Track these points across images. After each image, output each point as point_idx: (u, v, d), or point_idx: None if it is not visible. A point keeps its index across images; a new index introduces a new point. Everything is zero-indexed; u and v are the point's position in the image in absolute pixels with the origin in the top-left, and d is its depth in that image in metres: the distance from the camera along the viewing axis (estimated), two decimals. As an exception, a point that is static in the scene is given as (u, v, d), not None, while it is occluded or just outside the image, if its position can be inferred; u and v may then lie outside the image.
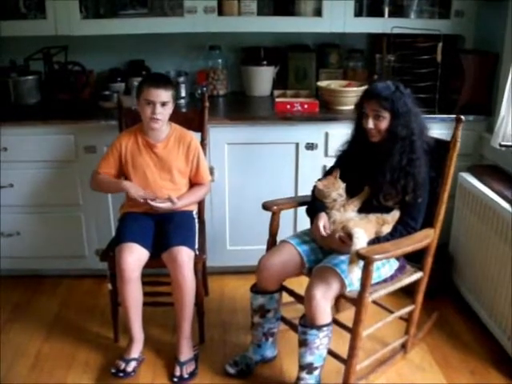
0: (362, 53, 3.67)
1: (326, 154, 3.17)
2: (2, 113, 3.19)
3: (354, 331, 2.30)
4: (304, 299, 2.34)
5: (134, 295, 2.58)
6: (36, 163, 3.17)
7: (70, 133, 3.12)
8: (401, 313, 2.59)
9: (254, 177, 3.24)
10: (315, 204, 2.52)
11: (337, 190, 2.45)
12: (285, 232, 2.74)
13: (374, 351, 2.62)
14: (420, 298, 2.60)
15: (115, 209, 3.12)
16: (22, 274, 3.48)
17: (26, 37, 3.20)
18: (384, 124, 2.34)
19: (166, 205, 2.65)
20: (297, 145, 3.18)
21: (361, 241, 2.25)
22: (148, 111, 2.61)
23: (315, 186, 2.52)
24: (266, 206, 2.63)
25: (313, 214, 2.50)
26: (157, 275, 2.76)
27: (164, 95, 2.61)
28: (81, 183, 3.20)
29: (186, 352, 2.66)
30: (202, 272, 3.06)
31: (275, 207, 2.63)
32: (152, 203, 2.63)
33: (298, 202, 2.74)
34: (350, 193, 2.47)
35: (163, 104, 2.61)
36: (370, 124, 2.35)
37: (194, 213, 2.85)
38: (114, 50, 3.59)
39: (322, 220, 2.41)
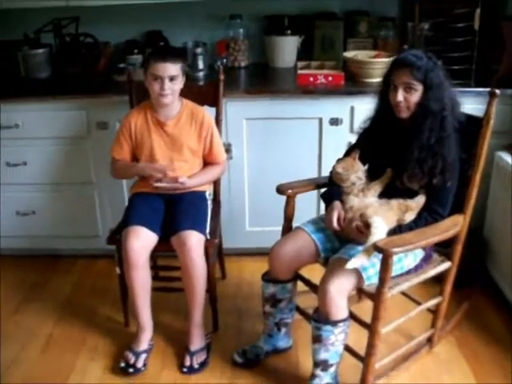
0: (393, 21, 3.40)
1: (352, 130, 2.96)
2: (12, 88, 3.08)
3: (372, 329, 2.12)
4: (318, 289, 2.17)
5: (141, 281, 2.46)
6: (48, 140, 3.07)
7: (82, 108, 2.99)
8: (426, 305, 2.39)
9: (275, 154, 3.06)
10: (332, 189, 2.34)
11: (356, 172, 2.25)
12: (307, 215, 2.55)
13: (397, 345, 2.43)
14: (448, 289, 2.39)
15: (129, 186, 2.97)
16: (39, 254, 3.42)
17: (37, 9, 3.06)
18: (415, 97, 2.11)
19: (173, 185, 2.50)
20: (320, 120, 2.97)
21: (379, 231, 2.05)
22: (156, 87, 2.45)
23: (333, 169, 2.33)
24: (280, 190, 2.45)
25: (328, 201, 2.31)
26: (170, 257, 2.59)
27: (172, 69, 2.44)
28: (93, 160, 3.09)
29: (196, 341, 2.53)
30: (219, 255, 2.95)
31: (290, 191, 2.44)
32: (158, 184, 2.48)
33: (315, 184, 2.54)
34: (371, 176, 2.27)
35: (172, 78, 2.45)
36: (400, 97, 2.12)
37: (207, 193, 2.69)
38: (130, 21, 3.42)
39: (336, 211, 2.22)
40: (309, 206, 2.96)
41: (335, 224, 2.21)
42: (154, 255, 2.67)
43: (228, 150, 2.96)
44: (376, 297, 2.07)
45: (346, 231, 2.21)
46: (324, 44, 3.41)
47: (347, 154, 2.40)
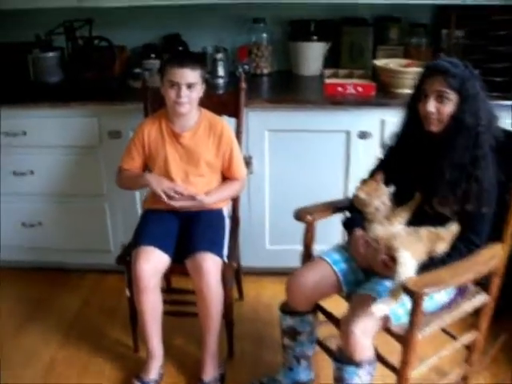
0: (426, 27, 3.18)
1: (382, 145, 2.73)
2: (20, 93, 2.91)
3: (400, 374, 1.89)
4: (340, 330, 1.95)
5: (151, 306, 2.27)
6: (57, 148, 2.90)
7: (93, 115, 2.81)
8: (461, 342, 2.17)
9: (298, 169, 2.86)
10: (354, 215, 2.12)
11: (379, 197, 2.02)
12: (329, 236, 2.37)
13: (427, 381, 2.21)
14: (485, 324, 2.16)
15: (142, 199, 2.78)
16: (46, 266, 3.25)
17: (49, 10, 2.87)
18: (448, 108, 1.88)
19: (189, 203, 2.31)
20: (348, 133, 2.77)
21: (407, 268, 1.82)
22: (172, 94, 2.26)
23: (355, 193, 2.11)
24: (298, 216, 2.23)
25: (350, 229, 2.10)
26: (185, 278, 2.37)
27: (190, 76, 2.25)
28: (105, 171, 2.91)
29: (209, 371, 2.34)
30: (236, 274, 2.75)
31: (309, 217, 2.22)
32: (172, 203, 2.29)
33: (337, 207, 2.30)
34: (398, 200, 2.03)
35: (189, 86, 2.26)
36: (431, 107, 1.89)
37: (225, 211, 2.49)
38: (147, 24, 3.23)
39: (361, 241, 2.02)
40: (331, 226, 2.75)
41: (361, 252, 2.01)
42: (168, 276, 2.47)
43: (248, 163, 2.77)
44: (405, 340, 1.85)
45: (372, 264, 2.00)
46: (352, 51, 3.20)
47: (371, 175, 2.18)
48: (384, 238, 1.95)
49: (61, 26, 2.89)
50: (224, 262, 2.26)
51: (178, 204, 2.30)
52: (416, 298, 1.74)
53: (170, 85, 2.26)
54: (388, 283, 1.91)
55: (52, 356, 2.60)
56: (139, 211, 2.87)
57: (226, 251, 2.30)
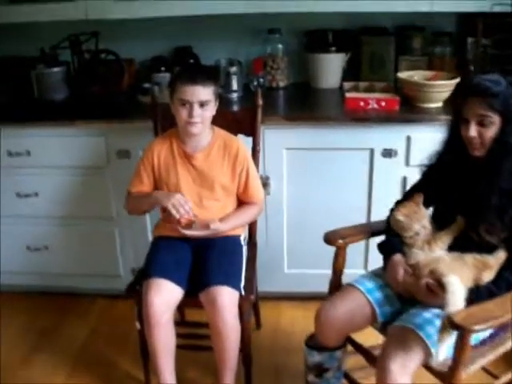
0: (451, 36, 3.01)
1: (407, 163, 2.58)
2: (24, 111, 2.76)
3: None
4: (376, 366, 1.78)
5: (163, 341, 2.10)
6: (62, 169, 2.75)
7: (100, 134, 2.66)
8: (502, 381, 1.99)
9: (318, 189, 2.69)
10: (391, 239, 1.96)
11: (419, 220, 1.86)
12: (354, 260, 2.20)
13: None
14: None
15: (153, 223, 2.63)
16: (52, 291, 3.09)
17: (54, 23, 2.72)
18: (491, 131, 1.72)
19: (202, 233, 2.14)
20: (371, 151, 2.59)
21: (457, 296, 1.66)
22: (183, 114, 2.10)
23: (391, 214, 1.95)
24: (328, 239, 2.07)
25: (386, 253, 1.94)
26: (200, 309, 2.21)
27: (203, 93, 2.08)
28: (114, 193, 2.75)
29: (227, 409, 2.16)
30: (254, 303, 2.57)
31: (341, 241, 2.06)
32: (186, 232, 2.12)
33: (370, 231, 2.14)
34: (437, 224, 1.88)
35: (202, 104, 2.09)
36: (473, 132, 1.73)
37: (242, 238, 2.33)
38: (157, 36, 3.06)
39: (401, 267, 1.85)
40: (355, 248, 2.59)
41: (400, 281, 1.84)
42: (182, 308, 2.31)
43: (265, 184, 2.60)
44: (448, 379, 1.68)
45: (413, 291, 1.83)
46: (373, 62, 3.03)
47: (407, 196, 2.01)
48: (426, 262, 1.80)
49: (66, 39, 2.74)
50: (241, 295, 2.09)
51: (190, 233, 2.13)
52: (464, 333, 1.57)
53: (181, 103, 2.10)
54: (428, 314, 1.76)
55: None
56: (150, 236, 2.72)
57: (243, 283, 2.13)
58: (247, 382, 2.34)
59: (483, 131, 1.73)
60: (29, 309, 3.02)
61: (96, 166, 2.71)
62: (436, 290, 1.73)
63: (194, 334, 2.34)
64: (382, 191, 2.60)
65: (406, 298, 1.88)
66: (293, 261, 2.85)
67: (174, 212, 2.10)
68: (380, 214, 2.35)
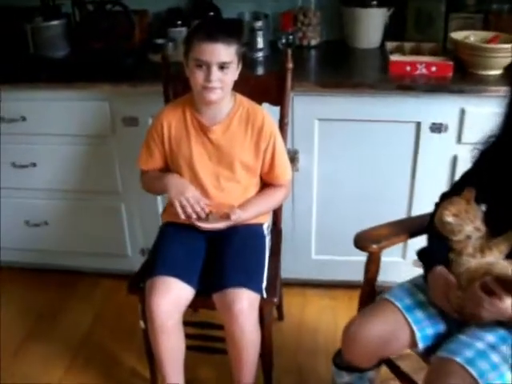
0: (511, -9, 2.59)
1: (459, 140, 2.21)
2: (18, 70, 2.40)
3: None
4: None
5: (170, 347, 1.81)
6: (62, 137, 2.42)
7: (104, 98, 2.31)
8: None
9: (353, 167, 2.33)
10: (434, 245, 1.60)
11: (472, 221, 1.50)
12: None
13: None
14: None
15: (164, 197, 2.32)
16: (52, 269, 2.81)
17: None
18: None
19: (221, 224, 1.81)
20: (418, 124, 2.22)
21: None
22: (200, 77, 1.74)
23: (436, 210, 1.59)
24: (360, 244, 1.71)
25: (428, 262, 1.59)
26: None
27: (224, 53, 1.72)
28: (120, 166, 2.44)
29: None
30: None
31: (375, 246, 1.70)
32: (200, 224, 1.79)
33: (409, 231, 1.77)
34: (491, 226, 1.51)
35: (222, 66, 1.73)
36: None
37: (266, 226, 1.99)
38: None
39: (444, 281, 1.50)
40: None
41: (446, 298, 1.49)
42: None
43: (293, 158, 2.26)
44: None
45: (462, 306, 1.47)
46: (419, 19, 2.62)
47: (457, 188, 1.63)
48: (479, 267, 1.46)
49: (66, -13, 2.38)
50: (262, 297, 1.76)
51: (206, 226, 1.80)
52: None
53: (197, 64, 1.73)
54: (481, 345, 1.41)
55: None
56: (160, 211, 2.38)
57: (264, 283, 1.79)
58: (267, 385, 2.04)
59: None
60: (27, 288, 2.75)
61: (99, 134, 2.37)
62: (496, 290, 1.36)
63: (208, 336, 2.02)
64: (428, 171, 2.25)
65: (455, 317, 1.53)
66: (321, 246, 2.52)
67: (179, 211, 1.78)
68: (423, 198, 2.12)
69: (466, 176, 1.67)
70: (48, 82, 2.32)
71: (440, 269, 1.53)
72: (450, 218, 1.51)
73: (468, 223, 1.50)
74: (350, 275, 2.34)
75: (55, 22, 2.42)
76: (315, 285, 2.63)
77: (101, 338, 2.44)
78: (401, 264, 2.40)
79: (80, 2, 2.40)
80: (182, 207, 1.78)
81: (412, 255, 2.31)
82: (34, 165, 2.47)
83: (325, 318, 2.49)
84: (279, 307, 2.44)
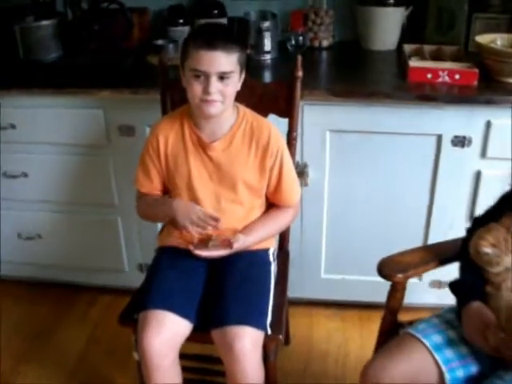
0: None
1: (484, 155, 2.03)
2: (7, 75, 2.24)
3: None
4: None
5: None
6: (54, 146, 2.26)
7: (99, 106, 2.14)
8: None
9: (367, 182, 2.17)
10: (467, 277, 1.44)
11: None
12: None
13: None
14: None
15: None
16: (48, 283, 2.65)
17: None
18: None
19: (222, 252, 1.65)
20: (439, 138, 2.04)
21: None
22: (198, 89, 1.56)
23: (468, 237, 1.42)
24: (384, 273, 1.53)
25: (463, 296, 1.42)
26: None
27: (224, 62, 1.54)
28: (115, 177, 2.28)
29: None
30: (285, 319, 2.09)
31: (400, 275, 1.53)
32: (200, 253, 1.63)
33: (439, 258, 1.59)
34: None
35: (222, 76, 1.55)
36: None
37: (271, 252, 1.81)
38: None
39: (481, 319, 1.34)
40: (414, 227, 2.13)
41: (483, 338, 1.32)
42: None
43: (303, 172, 2.10)
44: None
45: (502, 347, 1.30)
46: (440, 20, 2.45)
47: (492, 213, 1.47)
48: None
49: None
50: (266, 334, 1.59)
51: (205, 255, 1.64)
52: None
53: (195, 75, 1.56)
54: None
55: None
56: (159, 225, 2.23)
57: (269, 318, 1.62)
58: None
59: None
60: (21, 304, 2.61)
61: (94, 143, 2.21)
62: None
63: (207, 369, 1.86)
64: (449, 188, 2.08)
65: (491, 355, 1.36)
66: (331, 264, 2.36)
67: (199, 231, 1.65)
68: (443, 217, 2.07)
69: (505, 199, 1.50)
70: (39, 88, 2.14)
71: (477, 304, 1.37)
72: (487, 249, 1.35)
73: (508, 254, 1.34)
74: (361, 296, 2.30)
75: (46, 22, 2.23)
76: (323, 304, 2.47)
77: (95, 360, 2.30)
78: (417, 285, 2.23)
79: (73, 0, 2.22)
80: (197, 225, 1.63)
81: (429, 277, 2.18)
82: (25, 175, 2.32)
83: (335, 340, 2.34)
84: (286, 332, 2.27)
